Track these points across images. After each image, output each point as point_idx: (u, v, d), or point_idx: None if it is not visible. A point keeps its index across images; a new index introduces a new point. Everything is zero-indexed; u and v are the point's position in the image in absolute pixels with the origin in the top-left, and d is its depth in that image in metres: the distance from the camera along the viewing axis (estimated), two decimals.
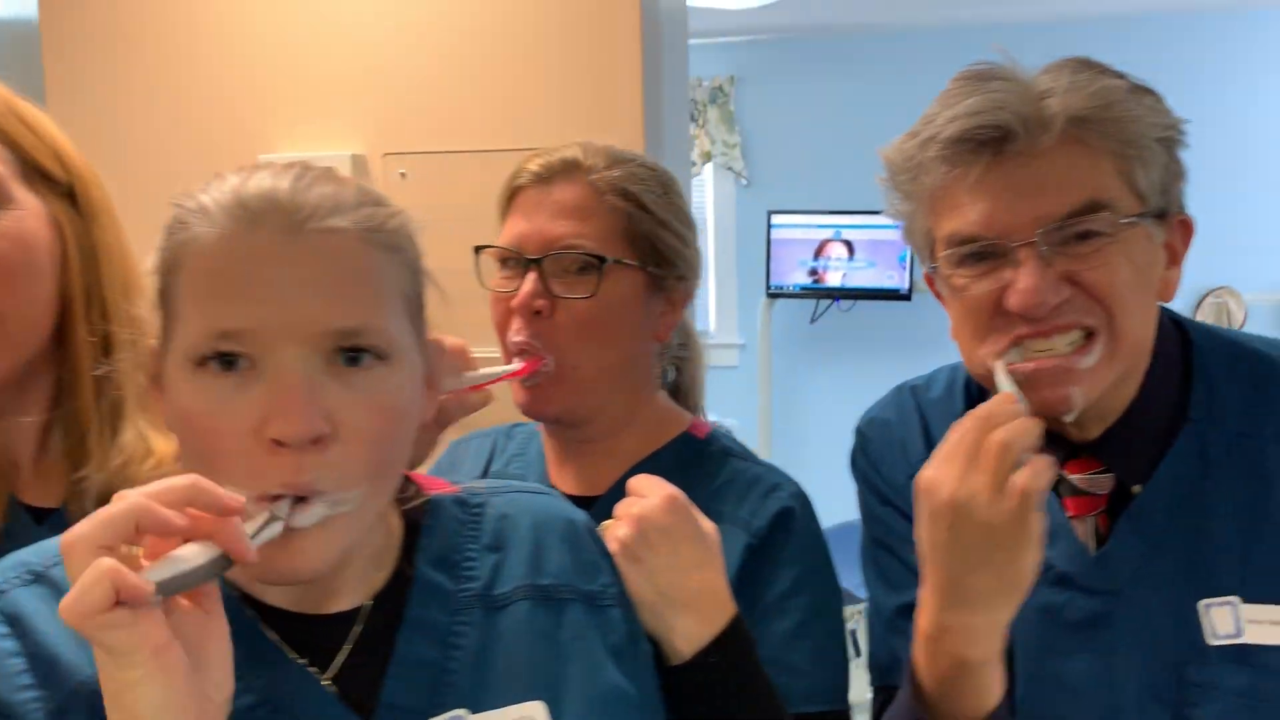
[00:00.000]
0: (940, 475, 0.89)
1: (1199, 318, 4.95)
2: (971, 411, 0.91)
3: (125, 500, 0.61)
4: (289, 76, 1.71)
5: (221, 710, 0.65)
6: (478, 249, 1.20)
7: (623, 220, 1.16)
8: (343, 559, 0.73)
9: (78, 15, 1.77)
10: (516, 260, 1.16)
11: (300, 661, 0.77)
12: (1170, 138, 1.00)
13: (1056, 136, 0.95)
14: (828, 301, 4.98)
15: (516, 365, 1.15)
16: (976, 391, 1.15)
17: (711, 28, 4.89)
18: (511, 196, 1.19)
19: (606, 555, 0.92)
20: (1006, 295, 0.95)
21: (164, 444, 0.99)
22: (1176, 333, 1.08)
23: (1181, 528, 1.00)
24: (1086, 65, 0.98)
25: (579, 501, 1.02)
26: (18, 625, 0.72)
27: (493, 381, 1.17)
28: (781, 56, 5.16)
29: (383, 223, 0.75)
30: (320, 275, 0.71)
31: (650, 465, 1.18)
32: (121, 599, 0.59)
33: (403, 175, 1.68)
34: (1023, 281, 0.94)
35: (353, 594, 0.80)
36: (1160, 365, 1.04)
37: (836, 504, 1.77)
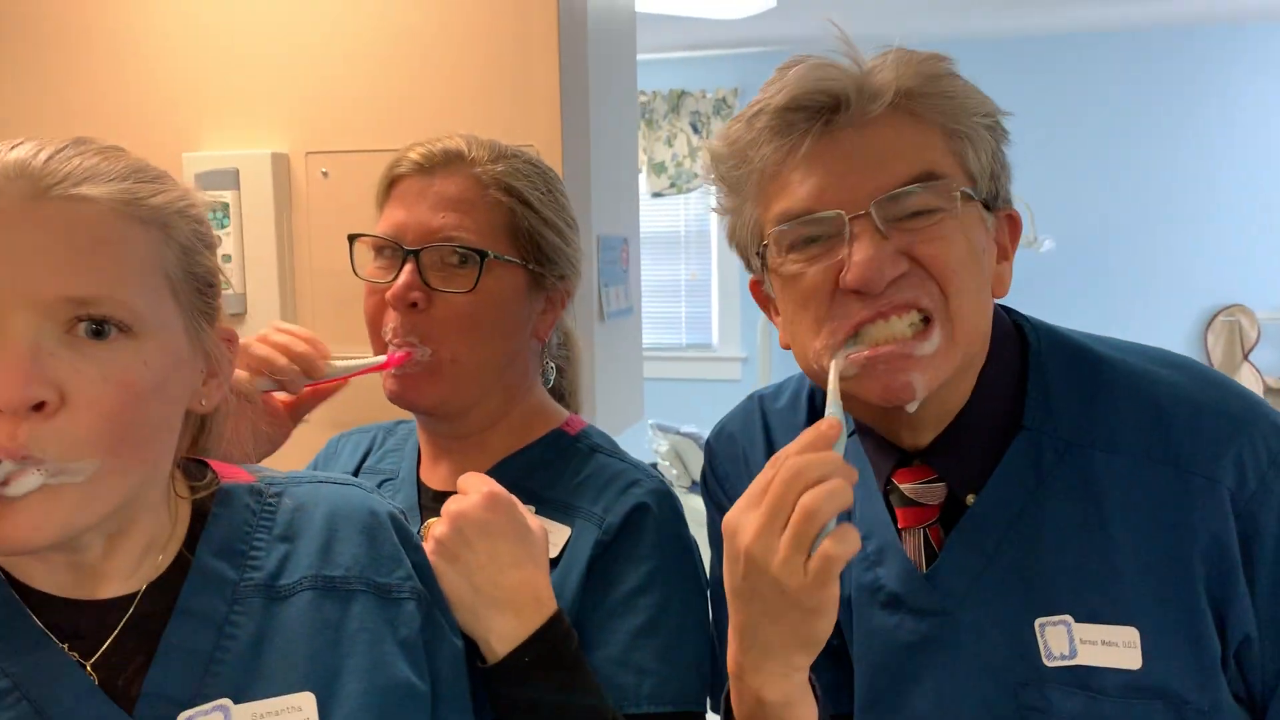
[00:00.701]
0: (742, 521, 0.85)
1: (1211, 337, 4.84)
2: (785, 451, 0.85)
3: None
4: (211, 76, 1.70)
5: None
6: (352, 237, 1.17)
7: (505, 215, 1.13)
8: (70, 533, 0.71)
9: (15, 25, 1.78)
10: (393, 250, 1.12)
11: (62, 647, 0.75)
12: (995, 126, 0.95)
13: (886, 107, 0.91)
14: None
15: (384, 357, 1.13)
16: (821, 401, 1.11)
17: (713, 40, 4.87)
18: (391, 185, 1.16)
19: (414, 549, 0.90)
20: (843, 274, 0.89)
21: None
22: (1016, 334, 1.02)
23: (1015, 542, 0.94)
24: (910, 51, 0.95)
25: (447, 497, 1.01)
26: None
27: (360, 373, 1.15)
28: None
29: (144, 198, 0.74)
30: (58, 242, 0.70)
31: (516, 461, 1.16)
32: None
33: (325, 174, 1.67)
34: (858, 253, 0.88)
35: (125, 580, 0.78)
36: (995, 366, 0.98)
37: None
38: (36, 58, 1.77)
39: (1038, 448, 0.96)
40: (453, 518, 0.96)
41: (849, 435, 1.06)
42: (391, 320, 1.12)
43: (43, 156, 0.72)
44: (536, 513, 1.11)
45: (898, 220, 0.90)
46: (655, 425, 3.84)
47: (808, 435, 0.84)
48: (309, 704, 0.78)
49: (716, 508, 1.14)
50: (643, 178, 5.34)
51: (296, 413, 1.19)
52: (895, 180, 0.89)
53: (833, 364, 0.91)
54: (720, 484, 1.14)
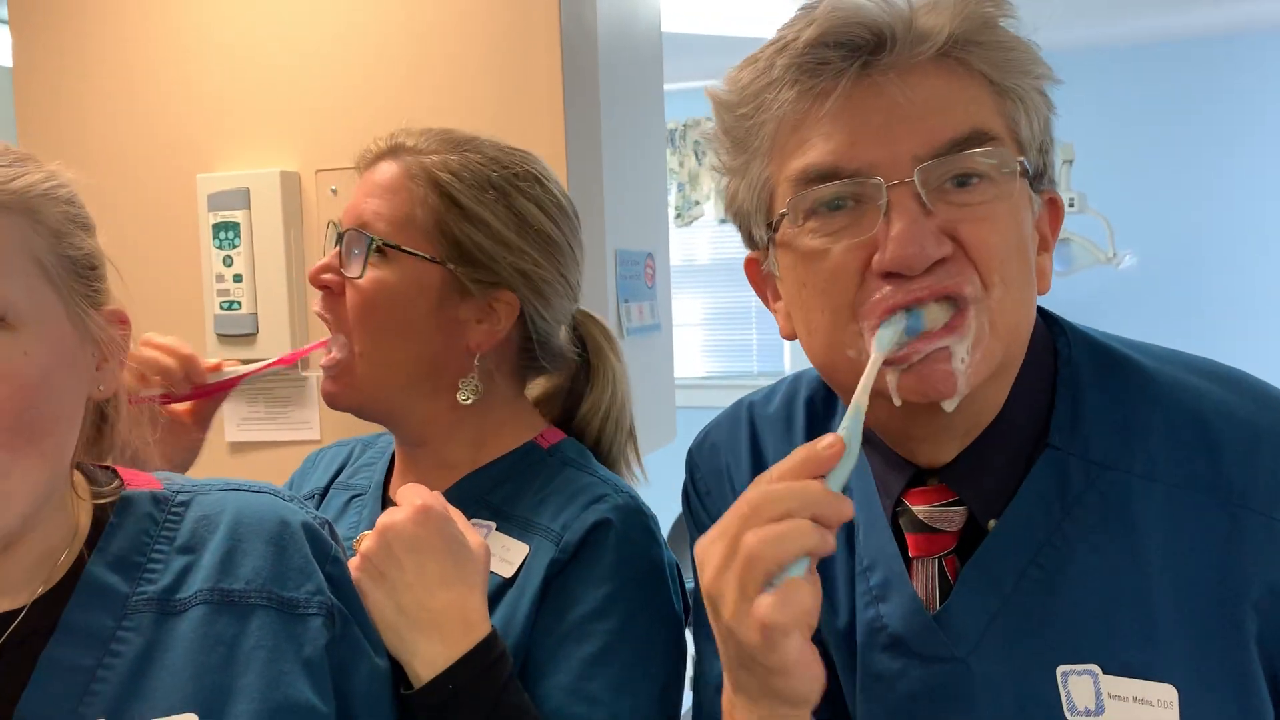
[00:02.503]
0: (707, 554, 0.72)
1: None
2: (767, 474, 0.72)
3: None
4: (223, 95, 1.73)
5: None
6: (330, 224, 1.19)
7: (426, 209, 1.07)
8: None
9: (42, 59, 1.83)
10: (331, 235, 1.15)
11: None
12: (1045, 91, 0.81)
13: (934, 53, 0.77)
14: None
15: (285, 354, 1.17)
16: (823, 405, 0.99)
17: None
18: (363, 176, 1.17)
19: (331, 561, 0.85)
20: (876, 255, 0.75)
21: None
22: (1048, 336, 0.88)
23: (1036, 578, 0.81)
24: None
25: None
26: None
27: (261, 369, 1.16)
28: None
29: (4, 182, 0.72)
30: None
31: (480, 475, 1.11)
32: None
33: (334, 191, 1.66)
34: (897, 228, 0.74)
35: (18, 593, 0.75)
36: (1030, 374, 0.84)
37: None
38: (51, 82, 1.81)
39: (1064, 470, 0.83)
40: (381, 532, 0.91)
41: None
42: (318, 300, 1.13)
43: None
44: (498, 529, 1.05)
45: (941, 190, 0.76)
46: None
47: (798, 454, 0.72)
48: None
49: (696, 526, 1.04)
50: (710, 205, 5.29)
51: (201, 419, 1.19)
52: (942, 138, 0.75)
53: (873, 358, 0.75)
54: (701, 500, 1.03)
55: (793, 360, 5.43)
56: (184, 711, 0.74)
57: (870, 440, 0.90)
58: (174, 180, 1.74)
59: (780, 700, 0.73)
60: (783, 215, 0.80)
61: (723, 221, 5.36)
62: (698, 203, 5.23)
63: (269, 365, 1.13)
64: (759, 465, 0.99)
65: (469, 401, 1.10)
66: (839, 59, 0.76)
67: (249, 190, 1.67)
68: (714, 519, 0.95)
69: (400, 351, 1.08)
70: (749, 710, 0.74)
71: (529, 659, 0.98)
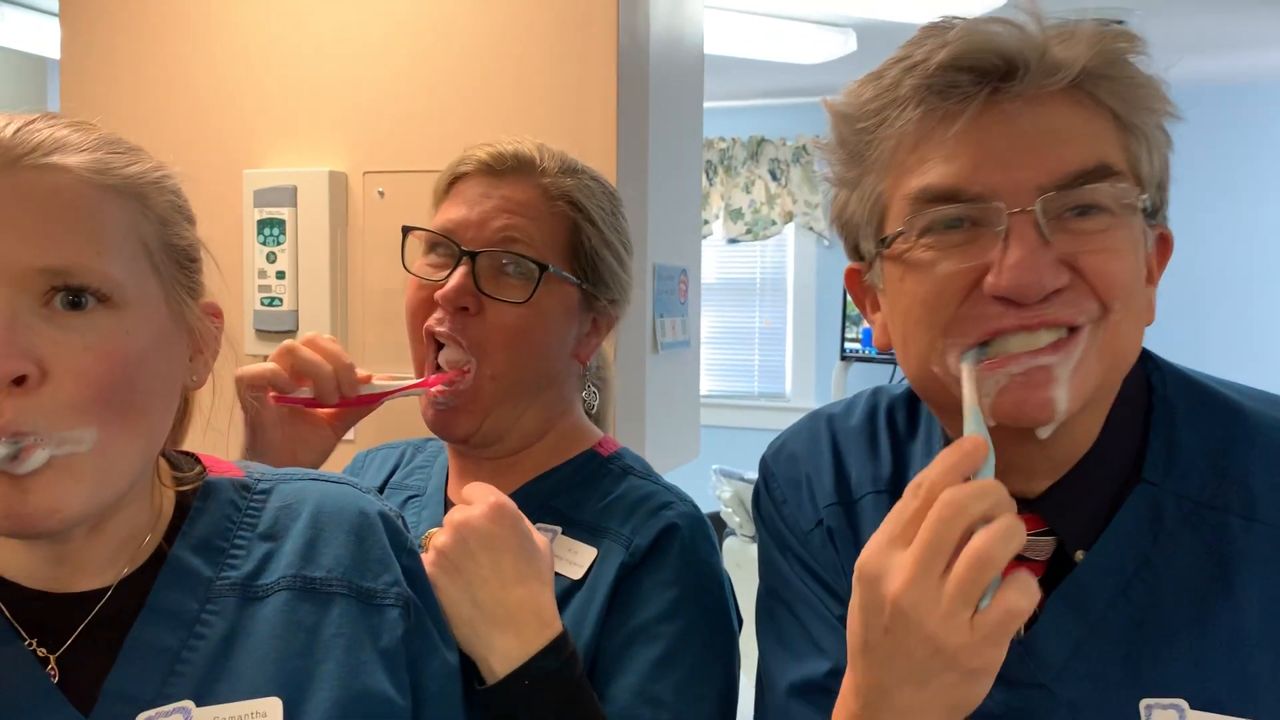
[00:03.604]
0: (888, 564, 0.71)
1: None
2: (927, 477, 0.71)
3: None
4: (273, 95, 1.73)
5: None
6: (406, 229, 1.13)
7: (568, 231, 1.09)
8: (94, 508, 0.70)
9: (90, 54, 1.84)
10: (448, 249, 1.08)
11: (28, 642, 0.73)
12: (1166, 125, 0.82)
13: (1064, 85, 0.77)
14: None
15: (421, 380, 1.10)
16: (905, 420, 1.00)
17: (794, 87, 4.85)
18: (453, 182, 1.12)
19: (409, 554, 0.86)
20: (990, 276, 0.75)
21: None
22: (1142, 371, 0.88)
23: (1125, 609, 0.82)
24: (1101, 25, 0.80)
25: None
26: None
27: (399, 392, 1.12)
28: None
29: (118, 167, 0.73)
30: (29, 212, 0.68)
31: (546, 480, 1.12)
32: None
33: (381, 193, 1.67)
34: (1014, 256, 0.74)
35: (103, 573, 0.76)
36: (1124, 408, 0.85)
37: None
38: (103, 78, 1.81)
39: (1158, 505, 0.83)
40: (456, 527, 0.92)
41: None
42: (438, 318, 1.08)
43: (11, 129, 0.71)
44: (564, 533, 1.07)
45: (1060, 219, 0.76)
46: (720, 471, 3.76)
47: (950, 457, 0.71)
48: (274, 709, 0.74)
49: (770, 534, 1.03)
50: (719, 224, 5.32)
51: (341, 425, 1.16)
52: (1067, 170, 0.76)
53: (964, 368, 0.77)
54: (778, 508, 1.02)
55: (794, 383, 5.45)
56: (268, 695, 0.75)
57: None
58: (220, 175, 1.74)
59: (948, 713, 0.73)
60: (899, 233, 0.81)
61: (732, 241, 5.38)
62: (706, 222, 5.26)
63: (414, 386, 1.10)
64: (842, 476, 1.00)
65: (592, 413, 1.14)
66: (969, 83, 0.77)
67: (296, 188, 1.68)
68: (789, 525, 1.00)
69: (532, 371, 1.09)
70: None
71: (596, 660, 0.99)
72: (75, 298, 0.68)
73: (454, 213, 1.09)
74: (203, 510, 0.81)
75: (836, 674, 0.93)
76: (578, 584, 1.03)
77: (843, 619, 0.94)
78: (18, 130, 0.70)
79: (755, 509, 1.07)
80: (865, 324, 4.73)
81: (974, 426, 0.75)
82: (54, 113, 0.75)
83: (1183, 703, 0.79)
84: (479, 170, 1.10)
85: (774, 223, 5.26)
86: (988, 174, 0.77)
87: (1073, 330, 0.77)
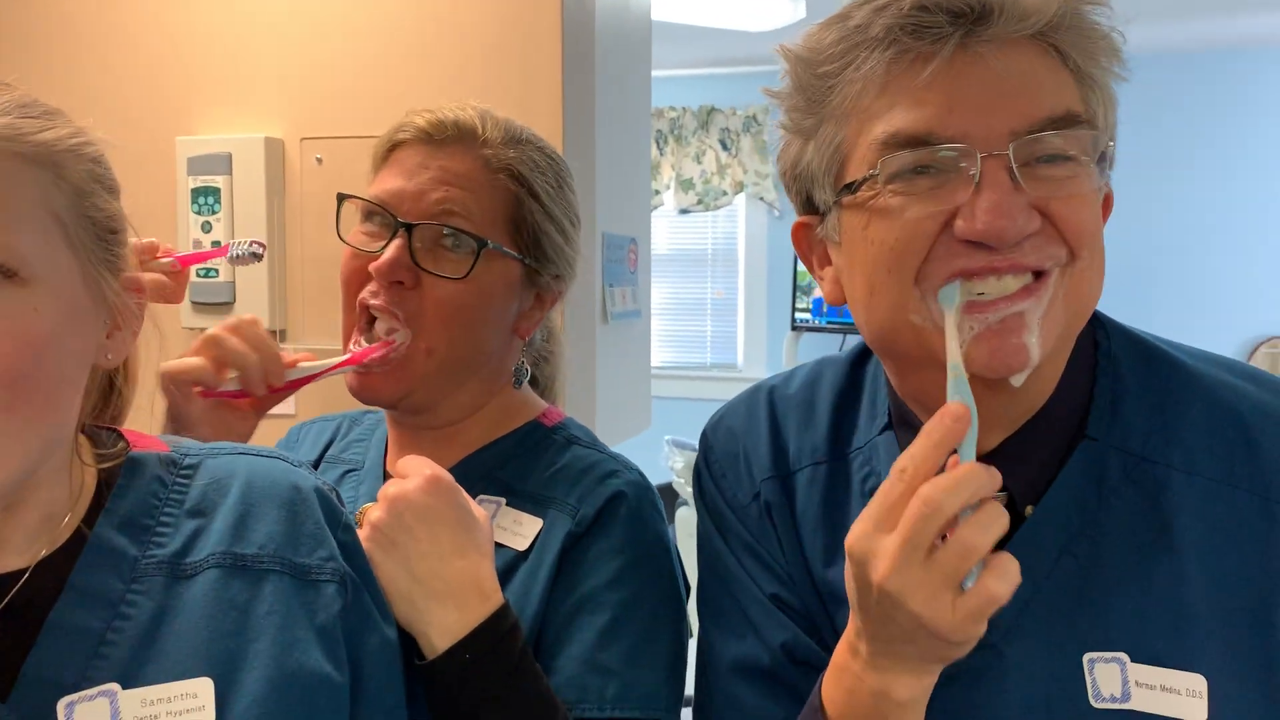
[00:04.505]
0: (873, 548, 0.72)
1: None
2: (910, 458, 0.71)
3: None
4: (208, 60, 1.67)
5: None
6: (341, 197, 1.08)
7: (510, 204, 1.06)
8: None
9: (12, 6, 1.75)
10: (384, 219, 1.04)
11: None
12: (1113, 85, 0.82)
13: (1031, 33, 0.77)
14: (855, 336, 4.82)
15: (350, 354, 1.05)
16: (847, 386, 0.98)
17: (744, 56, 4.82)
18: (391, 149, 1.07)
19: (343, 528, 0.84)
20: (961, 220, 0.75)
21: None
22: (1089, 329, 0.89)
23: (1069, 566, 0.83)
24: None
25: None
26: None
27: (329, 371, 1.08)
28: None
29: (29, 133, 0.68)
30: None
31: (489, 451, 1.10)
32: None
33: (319, 160, 1.62)
34: (988, 200, 0.74)
35: (20, 554, 0.73)
36: (1071, 366, 0.85)
37: None
38: (31, 38, 1.74)
39: (1102, 461, 0.84)
40: (391, 501, 0.90)
41: (883, 430, 0.94)
42: (372, 290, 1.04)
43: None
44: (508, 504, 1.05)
45: (1029, 165, 0.76)
46: (671, 441, 3.76)
47: (934, 433, 0.71)
48: (205, 690, 0.72)
49: (707, 508, 1.03)
50: (670, 194, 5.29)
51: (262, 409, 1.12)
52: (1039, 117, 0.75)
53: (948, 314, 0.76)
54: (716, 482, 1.02)
55: (746, 353, 5.45)
56: (198, 675, 0.72)
57: (907, 421, 0.90)
58: (153, 142, 1.68)
59: (939, 662, 0.75)
60: (867, 178, 0.79)
61: (683, 212, 5.36)
62: (657, 192, 5.23)
63: (341, 365, 1.05)
64: (779, 449, 0.99)
65: (519, 387, 1.12)
66: (943, 24, 0.76)
67: (231, 155, 1.63)
68: (729, 500, 0.99)
69: (470, 347, 1.06)
70: (887, 668, 0.77)
71: (543, 631, 0.98)
72: None
73: (391, 182, 1.05)
74: (127, 488, 0.78)
75: (775, 657, 0.94)
76: (523, 555, 1.01)
77: (775, 597, 0.96)
78: None
79: (695, 484, 1.06)
80: (816, 294, 4.76)
81: (955, 388, 0.74)
82: None
83: (1124, 656, 0.80)
84: (418, 138, 1.05)
85: (725, 193, 5.24)
86: (961, 118, 0.76)
87: (1039, 276, 0.77)
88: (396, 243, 1.02)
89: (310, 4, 1.63)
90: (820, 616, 0.95)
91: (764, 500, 0.98)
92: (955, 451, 0.73)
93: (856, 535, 0.74)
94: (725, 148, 5.24)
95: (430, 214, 1.03)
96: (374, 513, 0.90)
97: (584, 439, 1.12)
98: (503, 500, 1.05)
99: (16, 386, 0.66)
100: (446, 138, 1.05)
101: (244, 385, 1.06)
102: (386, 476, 1.14)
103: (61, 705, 0.69)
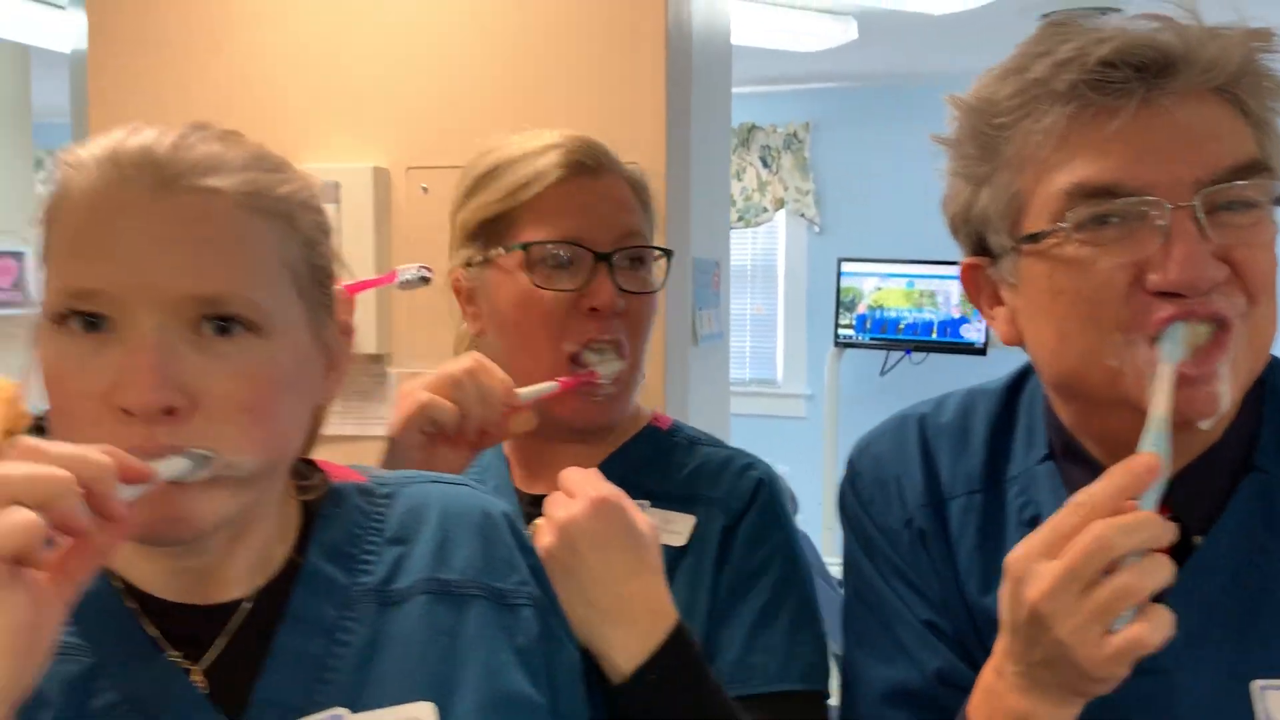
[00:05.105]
0: (1033, 570, 0.74)
1: None
2: (1089, 495, 0.73)
3: (53, 470, 0.56)
4: (315, 91, 1.71)
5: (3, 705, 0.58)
6: (526, 245, 1.09)
7: (649, 216, 1.15)
8: (225, 520, 0.70)
9: (121, 44, 1.80)
10: (575, 255, 1.07)
11: (173, 655, 0.73)
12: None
13: (1216, 83, 0.79)
14: (899, 353, 4.85)
15: (555, 384, 1.08)
16: (1002, 414, 1.00)
17: (786, 74, 4.86)
18: (541, 190, 1.09)
19: (529, 552, 0.86)
20: (1154, 273, 0.77)
21: None
22: None
23: (1238, 594, 0.85)
24: (1251, 26, 0.82)
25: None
26: None
27: (545, 389, 1.08)
28: (859, 103, 5.10)
29: (269, 188, 0.71)
30: (184, 237, 0.67)
31: (620, 459, 1.14)
32: (21, 558, 0.55)
33: (425, 189, 1.65)
34: (1180, 251, 0.76)
35: (240, 584, 0.76)
36: (1242, 399, 0.87)
37: None
38: (125, 66, 1.78)
39: (1269, 492, 0.86)
40: (562, 528, 0.91)
41: (1042, 460, 0.96)
42: (584, 328, 1.08)
43: (166, 144, 0.69)
44: (653, 505, 1.09)
45: (1213, 214, 0.78)
46: None
47: (1120, 478, 0.74)
48: (428, 714, 0.74)
49: (855, 533, 1.04)
50: None
51: (479, 446, 1.11)
52: (1223, 166, 0.78)
53: (1165, 370, 0.77)
54: (864, 508, 1.03)
55: (785, 369, 5.47)
56: (415, 700, 0.74)
57: (1075, 454, 0.92)
58: None
59: (1080, 696, 0.77)
60: (1049, 230, 0.82)
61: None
62: None
63: (553, 394, 1.07)
64: (932, 476, 1.00)
65: None
66: (1127, 79, 0.78)
67: (339, 184, 1.66)
68: (878, 525, 1.01)
69: (644, 354, 1.13)
70: (1029, 691, 0.78)
71: (708, 617, 1.04)
72: (224, 325, 0.68)
73: (568, 220, 1.08)
74: (331, 517, 0.81)
75: (928, 683, 0.96)
76: (681, 551, 1.06)
77: (929, 623, 0.98)
78: (174, 146, 0.69)
79: (840, 508, 1.08)
80: (859, 310, 4.76)
81: (1154, 441, 0.76)
82: (203, 123, 0.73)
83: None
84: (573, 173, 1.09)
85: (765, 209, 5.27)
86: (1147, 169, 0.78)
87: (1223, 323, 0.79)
88: (603, 275, 1.07)
89: (417, 36, 1.67)
90: (974, 643, 0.96)
91: (917, 527, 0.99)
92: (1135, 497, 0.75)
93: (1019, 555, 0.76)
94: (766, 164, 5.27)
95: (620, 239, 1.09)
96: (545, 538, 0.92)
97: (703, 438, 1.17)
98: (647, 503, 1.08)
99: (261, 429, 0.69)
100: (600, 166, 1.10)
101: (463, 429, 1.07)
102: (519, 494, 1.17)
103: None
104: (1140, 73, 0.78)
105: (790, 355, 5.46)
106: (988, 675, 0.83)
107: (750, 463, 1.12)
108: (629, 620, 0.91)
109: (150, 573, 0.74)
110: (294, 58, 1.72)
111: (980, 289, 0.92)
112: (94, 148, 0.70)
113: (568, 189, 1.09)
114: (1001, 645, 0.80)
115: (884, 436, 1.06)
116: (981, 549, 0.97)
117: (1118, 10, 3.91)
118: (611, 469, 1.08)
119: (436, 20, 1.67)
